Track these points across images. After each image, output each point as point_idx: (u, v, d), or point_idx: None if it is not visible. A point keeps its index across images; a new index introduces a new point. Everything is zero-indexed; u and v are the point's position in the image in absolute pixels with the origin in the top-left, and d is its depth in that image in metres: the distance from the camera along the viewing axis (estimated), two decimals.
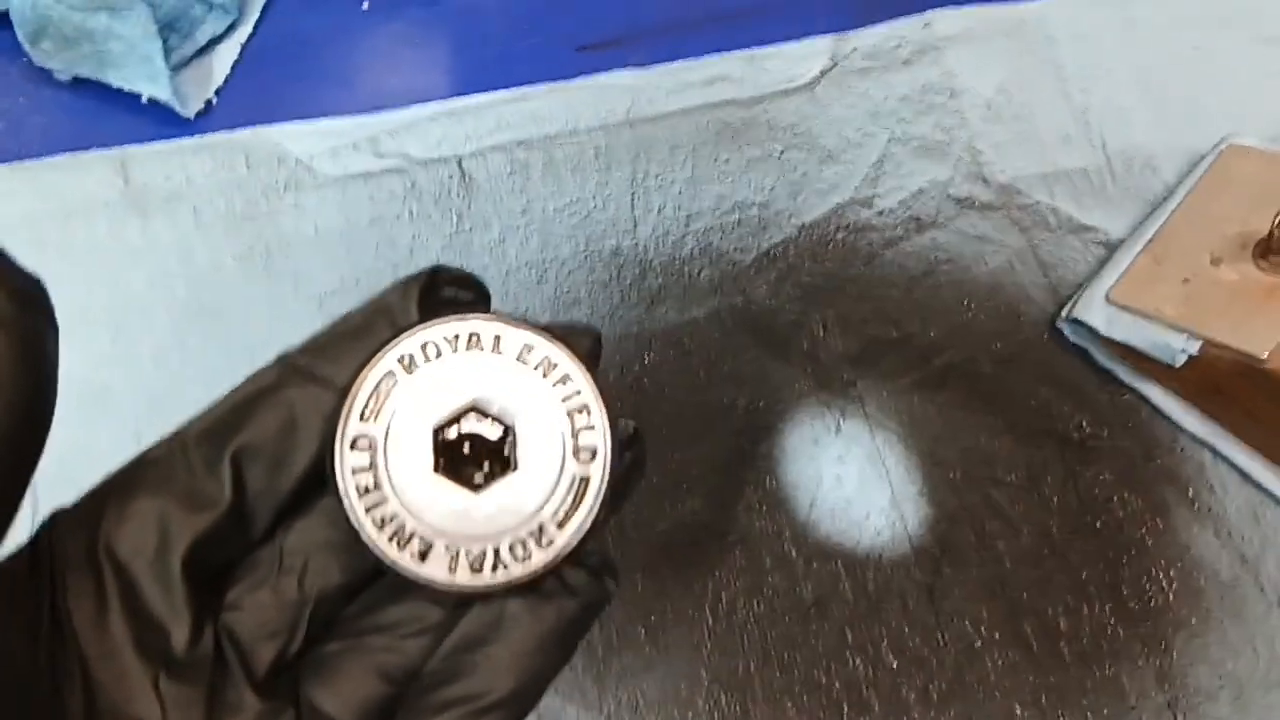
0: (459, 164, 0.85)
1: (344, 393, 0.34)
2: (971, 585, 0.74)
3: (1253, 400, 0.73)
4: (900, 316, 0.82)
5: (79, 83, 0.84)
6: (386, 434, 0.34)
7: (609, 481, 0.35)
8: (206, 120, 0.86)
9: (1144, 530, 0.76)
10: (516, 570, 0.34)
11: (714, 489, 0.76)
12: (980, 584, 0.74)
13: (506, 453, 0.35)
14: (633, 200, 0.84)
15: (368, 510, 0.33)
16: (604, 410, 0.35)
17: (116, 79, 0.83)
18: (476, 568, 0.34)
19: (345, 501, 0.33)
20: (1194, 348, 0.73)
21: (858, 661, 0.72)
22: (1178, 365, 0.73)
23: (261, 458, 0.34)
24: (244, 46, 0.89)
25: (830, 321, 0.81)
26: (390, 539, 0.33)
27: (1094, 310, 0.77)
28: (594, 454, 0.35)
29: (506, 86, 0.88)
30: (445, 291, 0.37)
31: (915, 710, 0.71)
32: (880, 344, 0.81)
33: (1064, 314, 0.80)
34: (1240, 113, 0.88)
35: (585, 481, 0.34)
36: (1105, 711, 0.71)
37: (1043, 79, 0.91)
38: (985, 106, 0.89)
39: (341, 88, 0.88)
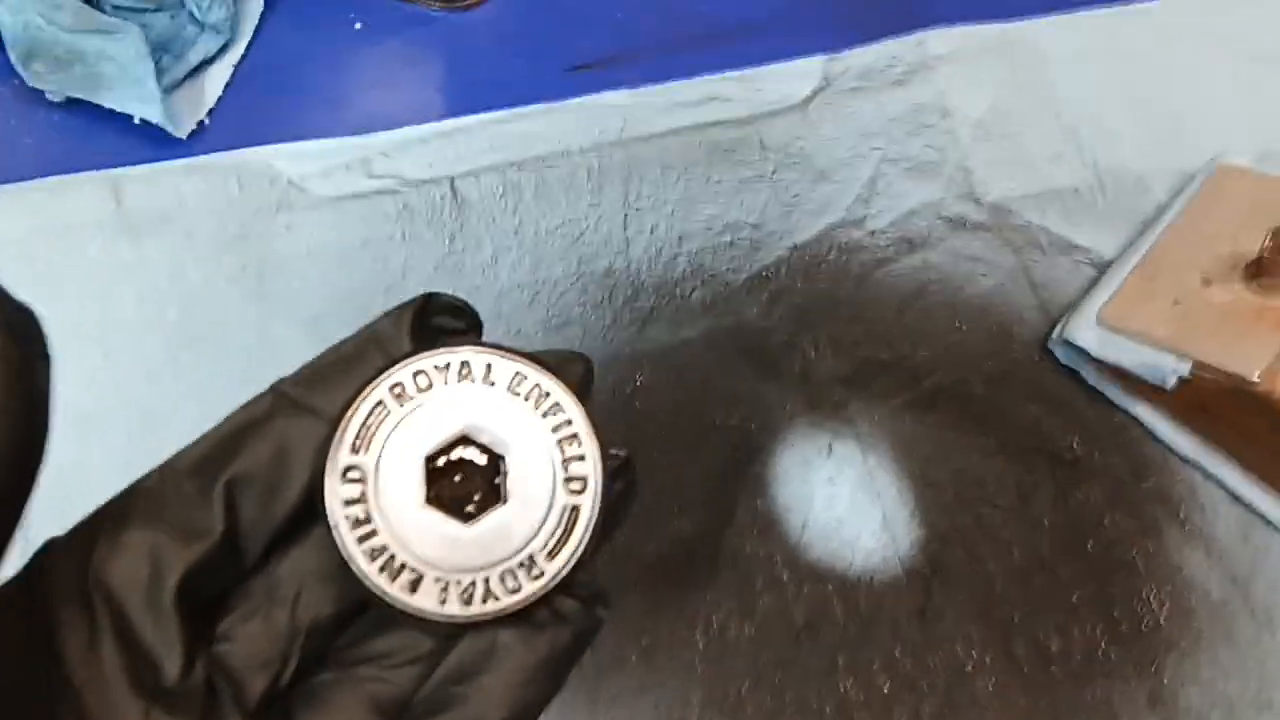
0: (451, 185, 0.85)
1: (335, 423, 0.34)
2: (963, 606, 0.74)
3: (1243, 421, 0.73)
4: (892, 337, 0.82)
5: (71, 103, 0.84)
6: (378, 465, 0.34)
7: (600, 511, 0.35)
8: (199, 141, 0.85)
9: (1135, 551, 0.76)
10: (507, 601, 0.34)
11: (706, 510, 0.76)
12: (971, 605, 0.74)
13: (497, 483, 0.35)
14: (625, 220, 0.85)
15: (359, 541, 0.33)
16: (595, 440, 0.35)
17: (109, 100, 0.83)
18: (467, 599, 0.34)
19: (336, 533, 0.33)
20: (1184, 369, 0.73)
21: (849, 683, 0.72)
22: (1168, 387, 0.73)
23: (254, 488, 0.34)
24: (236, 67, 0.89)
25: (822, 342, 0.81)
26: (381, 570, 0.33)
27: (1085, 331, 0.77)
28: (584, 484, 0.35)
29: (499, 107, 0.88)
30: (437, 320, 0.37)
31: None
32: (872, 365, 0.81)
33: (1055, 334, 0.80)
34: (1230, 132, 0.88)
35: (576, 511, 0.34)
36: None
37: (1034, 99, 0.91)
38: (976, 126, 0.89)
39: (334, 108, 0.88)
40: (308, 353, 0.37)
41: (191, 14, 0.86)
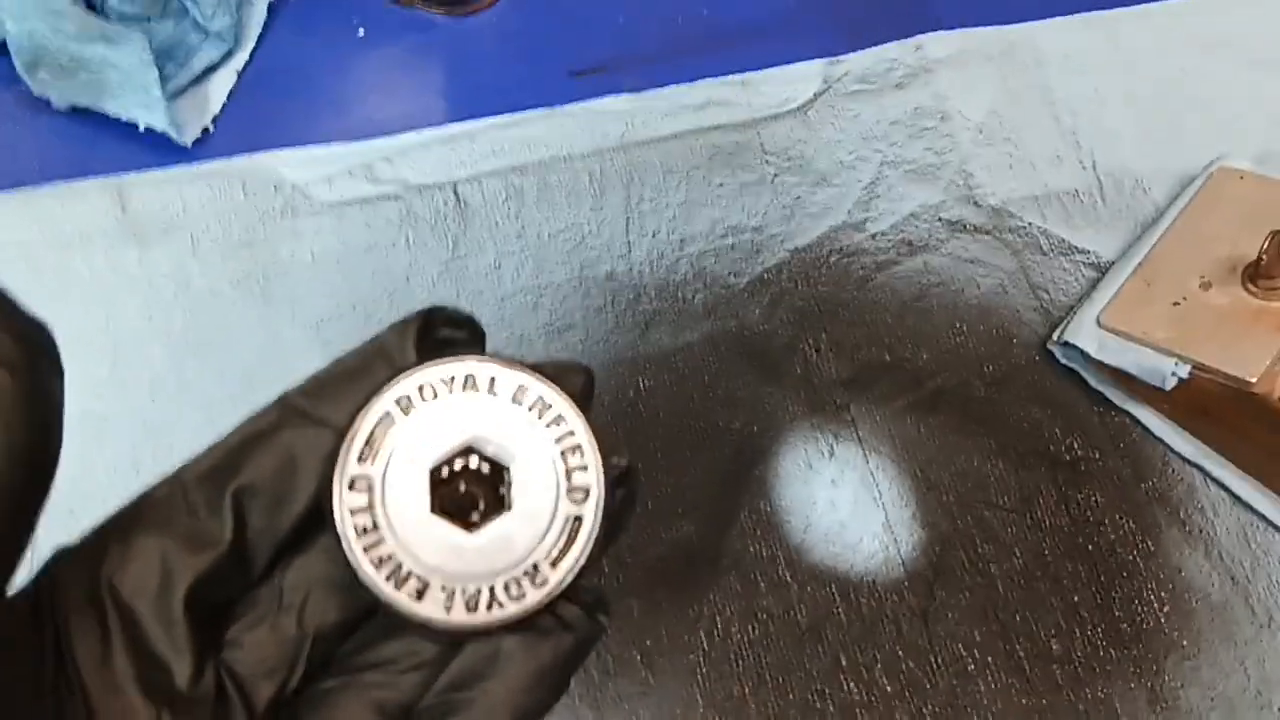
0: (454, 190, 0.85)
1: (342, 434, 0.34)
2: (964, 608, 0.74)
3: (1242, 422, 0.73)
4: (893, 340, 0.82)
5: (76, 111, 0.84)
6: (384, 475, 0.34)
7: (602, 520, 0.35)
8: (203, 148, 0.86)
9: (1135, 552, 0.76)
10: (511, 608, 0.34)
11: (708, 513, 0.77)
12: (973, 607, 0.75)
13: (501, 493, 0.35)
14: (627, 225, 0.85)
15: (365, 550, 0.34)
16: (596, 450, 0.35)
17: (113, 108, 0.83)
18: (472, 606, 0.34)
19: (343, 542, 0.34)
20: (1184, 371, 0.73)
21: (852, 685, 0.73)
22: (1168, 389, 0.74)
23: (261, 498, 0.35)
24: (240, 74, 0.89)
25: (823, 345, 0.82)
26: (388, 578, 0.34)
27: (1085, 333, 0.78)
28: (587, 493, 0.35)
29: (501, 112, 0.88)
30: (441, 332, 0.37)
31: None
32: (873, 367, 0.81)
33: (1055, 337, 0.81)
34: (1229, 135, 0.88)
35: (579, 520, 0.35)
36: None
37: (1033, 101, 0.91)
38: (976, 129, 0.89)
39: (337, 114, 0.88)
40: (313, 358, 0.37)
41: (195, 21, 0.87)
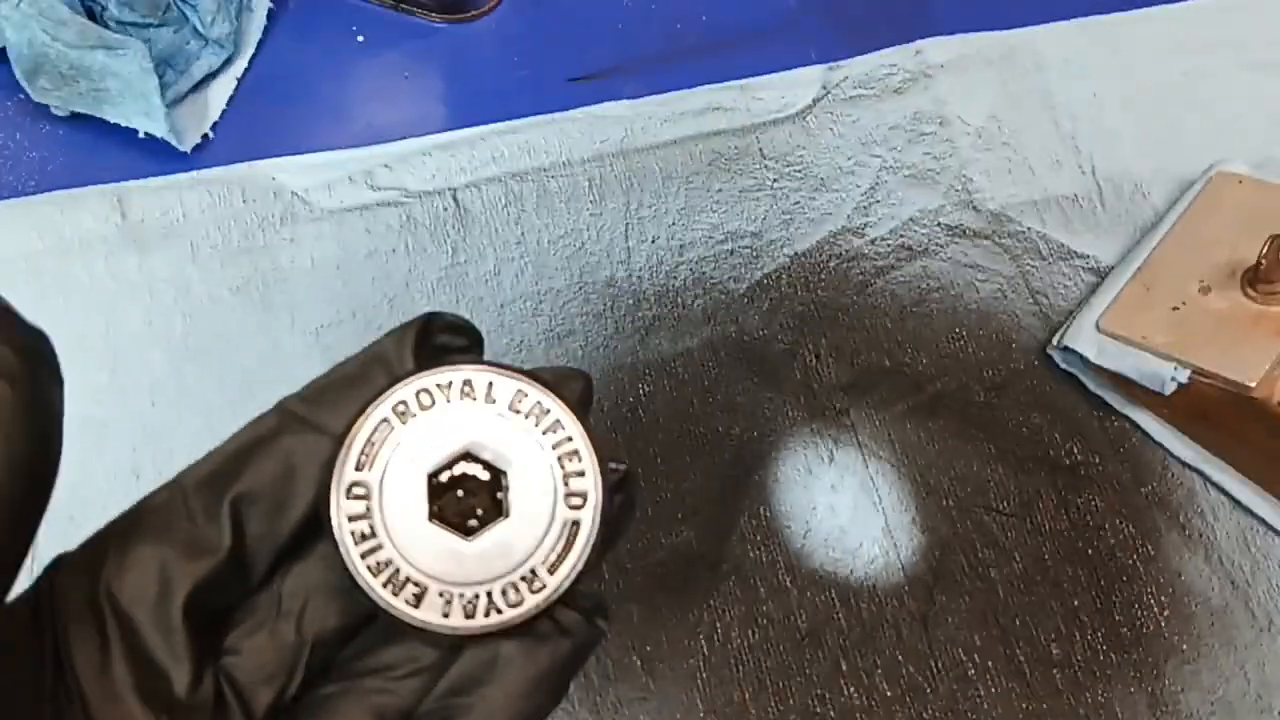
0: (454, 196, 0.85)
1: (340, 440, 0.35)
2: (964, 613, 0.75)
3: (1242, 427, 0.74)
4: (892, 345, 0.82)
5: (76, 118, 0.84)
6: (382, 481, 0.34)
7: (600, 525, 0.35)
8: (203, 155, 0.86)
9: (1135, 557, 0.76)
10: (509, 614, 0.34)
11: (708, 519, 0.77)
12: (973, 612, 0.75)
13: (499, 499, 0.35)
14: (626, 230, 0.85)
15: (363, 556, 0.34)
16: (594, 456, 0.35)
17: (113, 115, 0.83)
18: (470, 612, 0.34)
19: (341, 548, 0.34)
20: (1183, 376, 0.73)
21: (852, 690, 0.73)
22: (1167, 393, 0.74)
23: (260, 504, 0.35)
24: (240, 81, 0.89)
25: (823, 350, 0.82)
26: (385, 584, 0.34)
27: (1084, 338, 0.78)
28: (584, 499, 0.35)
29: (501, 118, 0.88)
30: (439, 338, 0.37)
31: None
32: (873, 372, 0.82)
33: (1054, 341, 0.81)
34: (1228, 139, 0.88)
35: (576, 526, 0.35)
36: None
37: (1032, 106, 0.91)
38: (975, 134, 0.90)
39: (337, 121, 0.88)
40: (312, 364, 0.37)
41: (195, 28, 0.87)
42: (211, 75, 0.89)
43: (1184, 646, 0.74)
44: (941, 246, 0.86)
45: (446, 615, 0.34)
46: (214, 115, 0.87)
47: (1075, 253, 0.85)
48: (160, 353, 0.79)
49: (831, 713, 0.72)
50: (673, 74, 0.91)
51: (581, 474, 0.35)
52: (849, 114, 0.90)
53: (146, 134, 0.84)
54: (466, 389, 0.35)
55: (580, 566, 0.35)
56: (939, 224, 0.86)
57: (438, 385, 0.35)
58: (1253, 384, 0.70)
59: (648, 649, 0.73)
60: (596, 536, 0.35)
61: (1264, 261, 0.72)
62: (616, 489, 0.36)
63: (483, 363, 0.36)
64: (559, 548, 0.35)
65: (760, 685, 0.73)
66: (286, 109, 0.89)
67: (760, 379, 0.81)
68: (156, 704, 0.33)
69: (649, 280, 0.84)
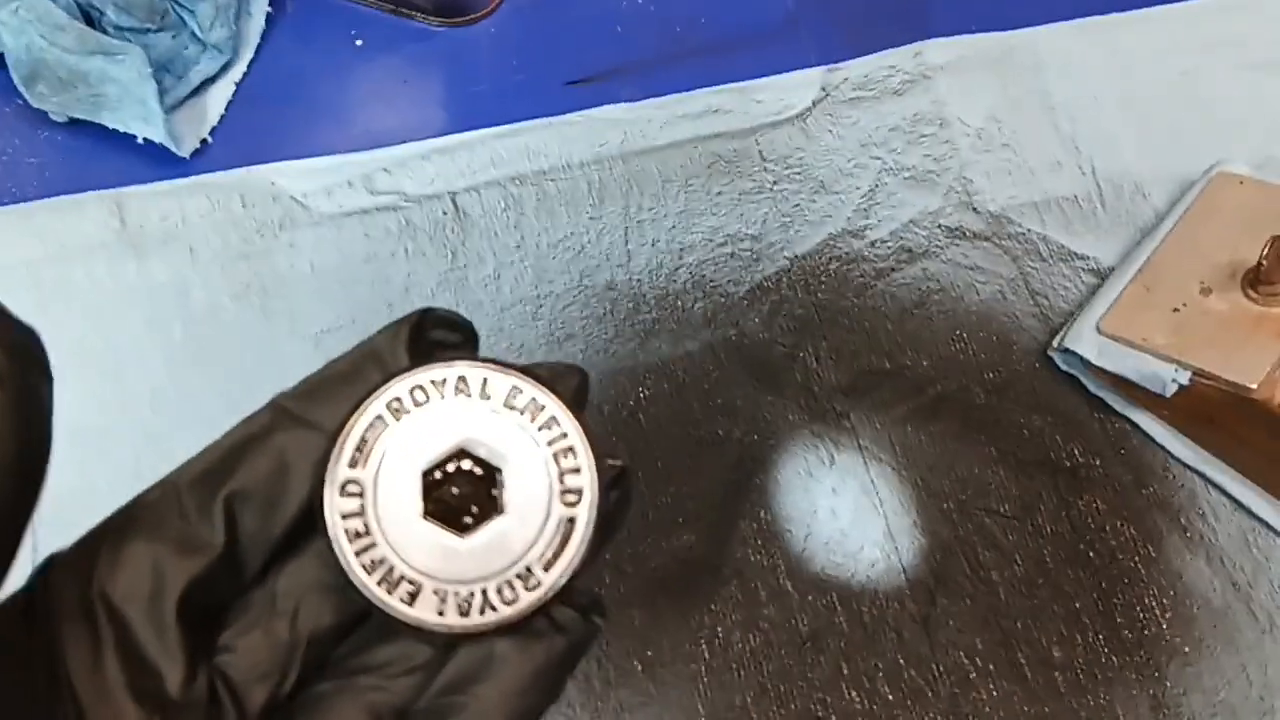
0: (453, 200, 0.85)
1: (334, 437, 0.34)
2: (966, 616, 0.74)
3: (1243, 428, 0.73)
4: (893, 347, 0.82)
5: (74, 124, 0.84)
6: (375, 478, 0.34)
7: (595, 522, 0.35)
8: (202, 160, 0.86)
9: (1136, 558, 0.76)
10: (504, 611, 0.34)
11: (708, 523, 0.77)
12: (974, 614, 0.74)
13: (494, 495, 0.35)
14: (626, 234, 0.85)
15: (357, 554, 0.34)
16: (589, 452, 0.35)
17: (112, 121, 0.83)
18: (465, 610, 0.34)
19: (335, 546, 0.34)
20: (1184, 378, 0.73)
21: (854, 694, 0.72)
22: (1168, 395, 0.74)
23: (254, 502, 0.34)
24: (238, 86, 0.89)
25: (823, 353, 0.82)
26: (380, 582, 0.34)
27: (1085, 340, 0.78)
28: (580, 495, 0.35)
29: (499, 122, 0.88)
30: (434, 334, 0.37)
31: None
32: (873, 375, 0.81)
33: (1055, 343, 0.81)
34: (1228, 139, 0.88)
35: (571, 523, 0.35)
36: None
37: (1032, 107, 0.91)
38: (975, 136, 0.89)
39: (336, 125, 0.88)
40: (312, 368, 0.37)
41: (193, 33, 0.87)
42: (210, 80, 0.89)
43: (1186, 648, 0.74)
44: (942, 248, 0.86)
45: (441, 613, 0.34)
46: (212, 120, 0.88)
47: (1075, 254, 0.85)
48: (160, 358, 0.79)
49: (833, 716, 0.72)
50: (671, 76, 0.91)
51: (577, 470, 0.35)
52: (848, 116, 0.90)
53: (145, 139, 0.84)
54: (461, 385, 0.35)
55: (576, 563, 0.35)
56: (939, 226, 0.86)
57: (432, 382, 0.35)
58: (1254, 386, 0.70)
59: (649, 653, 0.73)
60: (592, 533, 0.35)
61: (1265, 262, 0.72)
62: (613, 485, 0.36)
63: (477, 359, 0.36)
64: (554, 545, 0.35)
65: (762, 689, 0.73)
66: (285, 114, 0.89)
67: (761, 382, 0.81)
68: (149, 702, 0.32)
69: (649, 283, 0.84)
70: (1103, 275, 0.84)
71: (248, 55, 0.90)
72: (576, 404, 0.36)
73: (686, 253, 0.85)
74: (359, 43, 0.92)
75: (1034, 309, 0.83)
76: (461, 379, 0.35)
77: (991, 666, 0.73)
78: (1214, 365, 0.72)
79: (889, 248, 0.86)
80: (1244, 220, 0.78)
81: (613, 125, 0.88)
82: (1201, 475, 0.78)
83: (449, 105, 0.90)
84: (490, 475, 0.35)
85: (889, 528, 0.77)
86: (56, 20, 0.81)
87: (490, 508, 0.35)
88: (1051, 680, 0.73)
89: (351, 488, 0.34)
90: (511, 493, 0.35)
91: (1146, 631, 0.74)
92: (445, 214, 0.85)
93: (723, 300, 0.83)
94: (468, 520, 0.35)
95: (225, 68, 0.89)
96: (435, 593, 0.34)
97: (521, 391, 0.35)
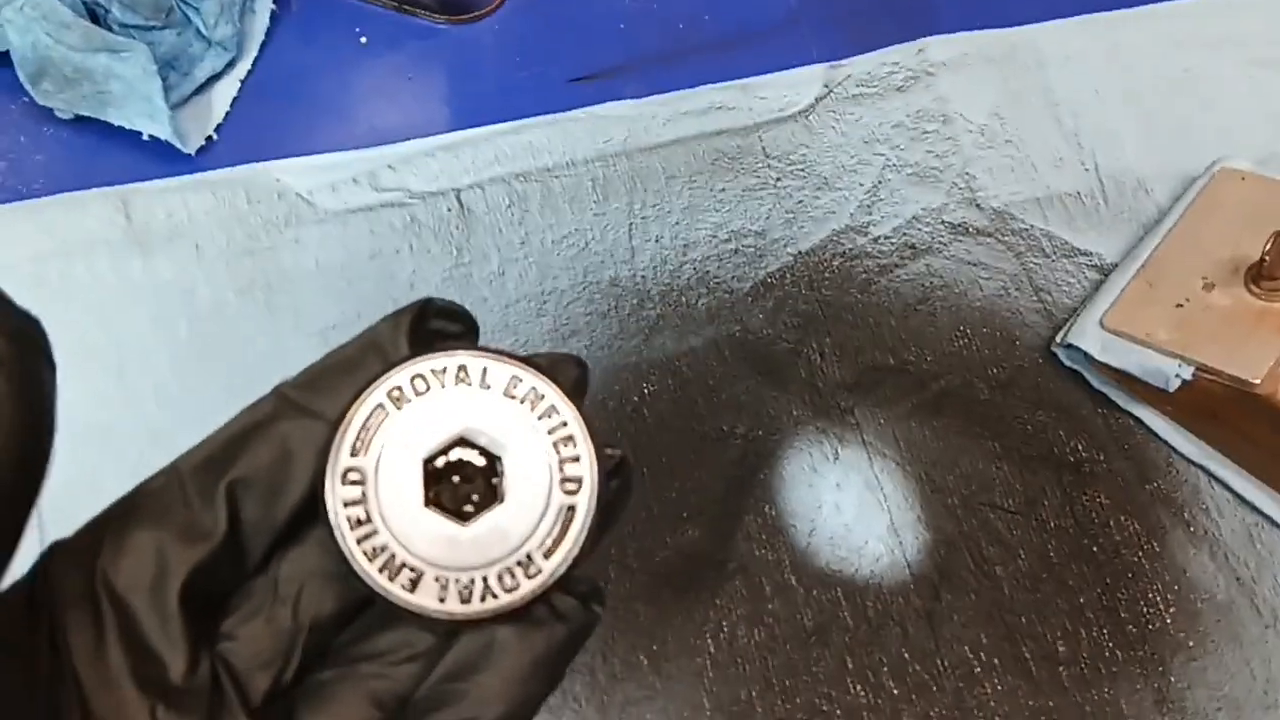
0: (458, 197, 0.85)
1: (336, 425, 0.35)
2: (970, 611, 0.74)
3: (1246, 424, 0.73)
4: (896, 343, 0.82)
5: (80, 121, 0.85)
6: (377, 467, 0.34)
7: (595, 511, 0.35)
8: (207, 157, 0.86)
9: (1140, 553, 0.76)
10: (505, 599, 0.34)
11: (713, 518, 0.77)
12: (979, 609, 0.74)
13: (495, 484, 0.35)
14: (630, 230, 0.85)
15: (359, 541, 0.34)
16: (589, 441, 0.35)
17: (117, 118, 0.83)
18: (466, 597, 0.34)
19: (337, 533, 0.34)
20: (1187, 373, 0.73)
21: (859, 688, 0.72)
22: (1171, 390, 0.74)
23: (256, 490, 0.35)
24: (243, 83, 0.89)
25: (827, 349, 0.82)
26: (381, 569, 0.34)
27: (1088, 335, 0.78)
28: (580, 484, 0.35)
29: (503, 119, 0.88)
30: (434, 324, 0.38)
31: None
32: (877, 371, 0.81)
33: (1058, 339, 0.81)
34: (1231, 135, 0.88)
35: (571, 511, 0.35)
36: None
37: (1034, 103, 0.91)
38: (978, 132, 0.89)
39: (340, 122, 0.89)
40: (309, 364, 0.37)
41: (198, 31, 0.87)
42: (215, 77, 0.89)
43: (1190, 643, 0.74)
44: (945, 244, 0.86)
45: (442, 600, 0.34)
46: (218, 117, 0.88)
47: (1078, 250, 0.85)
48: (165, 355, 0.80)
49: (838, 711, 0.72)
50: (675, 73, 0.91)
51: (577, 459, 0.35)
52: (852, 112, 0.90)
53: (150, 136, 0.84)
54: (462, 374, 0.35)
55: (576, 551, 0.35)
56: (942, 222, 0.86)
57: (433, 371, 0.35)
58: (1256, 380, 0.70)
59: (654, 648, 0.73)
60: (592, 521, 0.35)
61: (1267, 258, 0.72)
62: (612, 474, 0.36)
63: (478, 348, 0.36)
64: (554, 533, 0.35)
65: (767, 684, 0.73)
66: (290, 111, 0.89)
67: (765, 378, 0.81)
68: (152, 689, 0.33)
69: (653, 280, 0.84)
70: (1105, 271, 0.84)
71: (253, 52, 0.91)
72: (576, 393, 0.37)
73: (690, 249, 0.85)
74: (363, 40, 0.92)
75: (1037, 305, 0.84)
76: (462, 368, 0.35)
77: (996, 661, 0.73)
78: (1217, 360, 0.72)
79: (892, 244, 0.86)
80: (1246, 216, 0.78)
81: (617, 122, 0.89)
82: (1205, 470, 0.78)
83: (453, 102, 0.90)
84: (491, 464, 0.35)
85: (893, 523, 0.77)
86: (62, 18, 0.82)
87: (491, 496, 0.35)
88: (1056, 675, 0.73)
89: (353, 476, 0.34)
90: (512, 481, 0.35)
91: (1150, 626, 0.74)
92: (450, 211, 0.85)
93: (727, 296, 0.83)
94: (468, 508, 0.35)
95: (230, 65, 0.90)
96: (436, 580, 0.34)
97: (521, 381, 0.36)
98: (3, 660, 0.32)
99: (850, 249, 0.85)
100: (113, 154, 0.85)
